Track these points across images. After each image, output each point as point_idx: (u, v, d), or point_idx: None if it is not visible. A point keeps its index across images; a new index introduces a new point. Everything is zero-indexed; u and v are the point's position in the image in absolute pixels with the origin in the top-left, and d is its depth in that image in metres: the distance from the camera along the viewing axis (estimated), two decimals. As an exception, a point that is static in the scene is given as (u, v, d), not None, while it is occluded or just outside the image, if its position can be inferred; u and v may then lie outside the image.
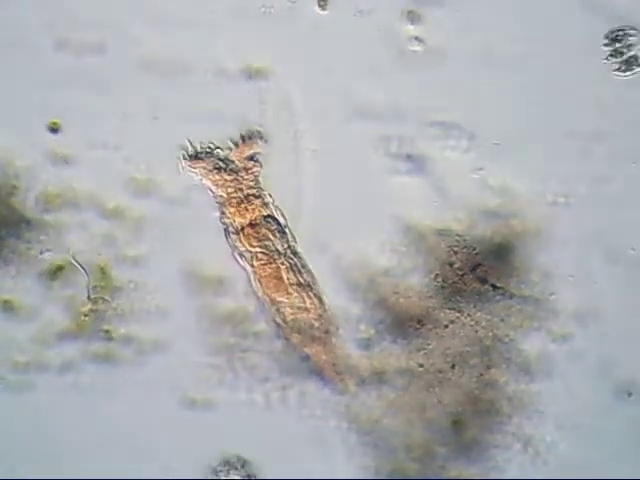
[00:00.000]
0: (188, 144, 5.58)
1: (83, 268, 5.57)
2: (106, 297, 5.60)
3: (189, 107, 5.62)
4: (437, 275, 5.58)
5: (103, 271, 5.60)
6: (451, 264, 5.58)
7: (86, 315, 5.59)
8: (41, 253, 5.60)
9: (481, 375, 5.59)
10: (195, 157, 5.59)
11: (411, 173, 5.66)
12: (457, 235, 5.58)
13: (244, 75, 5.65)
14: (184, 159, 5.58)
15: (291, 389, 5.63)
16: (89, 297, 5.59)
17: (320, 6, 5.54)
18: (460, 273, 5.58)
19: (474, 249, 5.58)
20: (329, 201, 5.63)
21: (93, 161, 5.64)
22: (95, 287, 5.59)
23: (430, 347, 5.58)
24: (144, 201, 5.64)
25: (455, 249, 5.58)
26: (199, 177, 5.61)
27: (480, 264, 5.58)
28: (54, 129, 5.62)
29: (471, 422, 5.58)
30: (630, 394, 5.59)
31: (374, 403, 5.62)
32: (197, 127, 5.60)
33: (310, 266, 5.61)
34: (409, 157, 5.66)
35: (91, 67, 5.65)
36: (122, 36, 5.66)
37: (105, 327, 5.62)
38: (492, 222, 5.59)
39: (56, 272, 5.60)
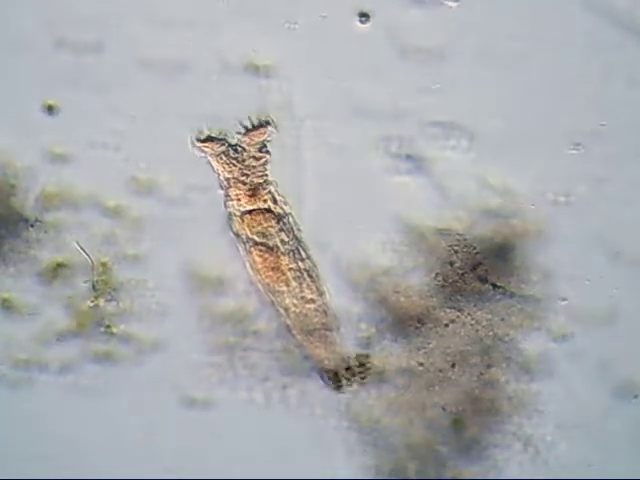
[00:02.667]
0: (202, 128, 5.58)
1: (87, 254, 5.56)
2: (108, 289, 5.59)
3: (189, 106, 5.62)
4: (437, 274, 5.59)
5: (105, 266, 5.59)
6: (451, 263, 5.59)
7: (91, 302, 5.58)
8: (31, 226, 5.58)
9: (481, 374, 5.59)
10: (207, 139, 5.59)
11: (411, 173, 5.66)
12: (457, 234, 5.58)
13: (244, 75, 5.64)
14: (196, 139, 5.58)
15: (291, 388, 5.63)
16: (94, 286, 5.58)
17: (361, 22, 5.57)
18: (460, 272, 5.58)
19: (474, 248, 5.58)
20: (329, 201, 5.63)
21: (93, 160, 5.64)
22: (97, 281, 5.59)
23: (430, 346, 5.58)
24: (144, 200, 5.64)
25: (455, 248, 5.58)
26: (207, 158, 5.60)
27: (480, 263, 5.58)
28: (51, 109, 5.61)
29: (471, 421, 5.59)
30: (636, 396, 5.59)
31: (374, 402, 5.62)
32: (197, 126, 5.60)
33: (313, 257, 5.61)
34: (409, 157, 5.66)
35: (90, 66, 5.64)
36: (121, 35, 5.65)
37: (106, 324, 5.61)
38: (492, 221, 5.59)
39: (56, 269, 5.59)
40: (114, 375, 5.63)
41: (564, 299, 5.60)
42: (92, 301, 5.60)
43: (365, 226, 5.63)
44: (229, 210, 5.60)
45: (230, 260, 5.61)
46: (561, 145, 5.64)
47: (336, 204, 5.63)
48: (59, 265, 5.60)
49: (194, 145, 5.59)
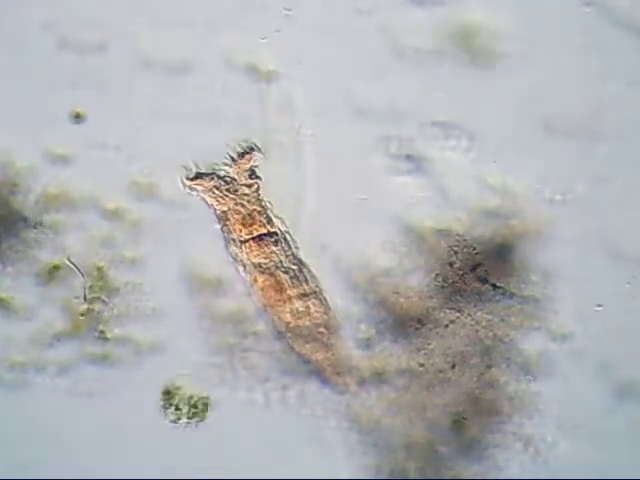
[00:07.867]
0: (190, 165, 5.57)
1: (79, 270, 5.56)
2: (103, 297, 5.60)
3: (190, 107, 5.62)
4: (437, 275, 5.59)
5: (100, 271, 5.59)
6: (451, 264, 5.59)
7: (82, 315, 5.59)
8: (34, 227, 5.58)
9: (481, 375, 5.59)
10: (196, 177, 5.59)
11: (411, 173, 5.66)
12: (457, 235, 5.58)
13: (245, 75, 5.65)
14: (186, 178, 5.58)
15: (291, 389, 5.63)
16: (85, 298, 5.58)
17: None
18: (460, 273, 5.58)
19: (474, 249, 5.58)
20: (329, 201, 5.63)
21: (93, 162, 5.64)
22: (92, 287, 5.59)
23: (430, 347, 5.59)
24: (144, 203, 5.64)
25: (455, 249, 5.58)
26: (200, 195, 5.60)
27: (480, 264, 5.58)
28: (78, 117, 5.63)
29: (472, 422, 5.59)
30: None
31: (374, 403, 5.62)
32: (198, 128, 5.60)
33: (314, 272, 5.61)
34: (409, 157, 5.66)
35: (93, 67, 5.65)
36: (124, 36, 5.66)
37: (101, 328, 5.61)
38: (492, 222, 5.59)
39: (52, 272, 5.59)
40: (113, 377, 5.63)
41: (599, 305, 5.60)
42: (82, 314, 5.60)
43: (365, 226, 5.63)
44: (225, 237, 5.59)
45: (229, 262, 5.61)
46: (561, 145, 5.64)
47: (336, 204, 5.63)
48: (55, 267, 5.60)
49: (184, 185, 5.58)
